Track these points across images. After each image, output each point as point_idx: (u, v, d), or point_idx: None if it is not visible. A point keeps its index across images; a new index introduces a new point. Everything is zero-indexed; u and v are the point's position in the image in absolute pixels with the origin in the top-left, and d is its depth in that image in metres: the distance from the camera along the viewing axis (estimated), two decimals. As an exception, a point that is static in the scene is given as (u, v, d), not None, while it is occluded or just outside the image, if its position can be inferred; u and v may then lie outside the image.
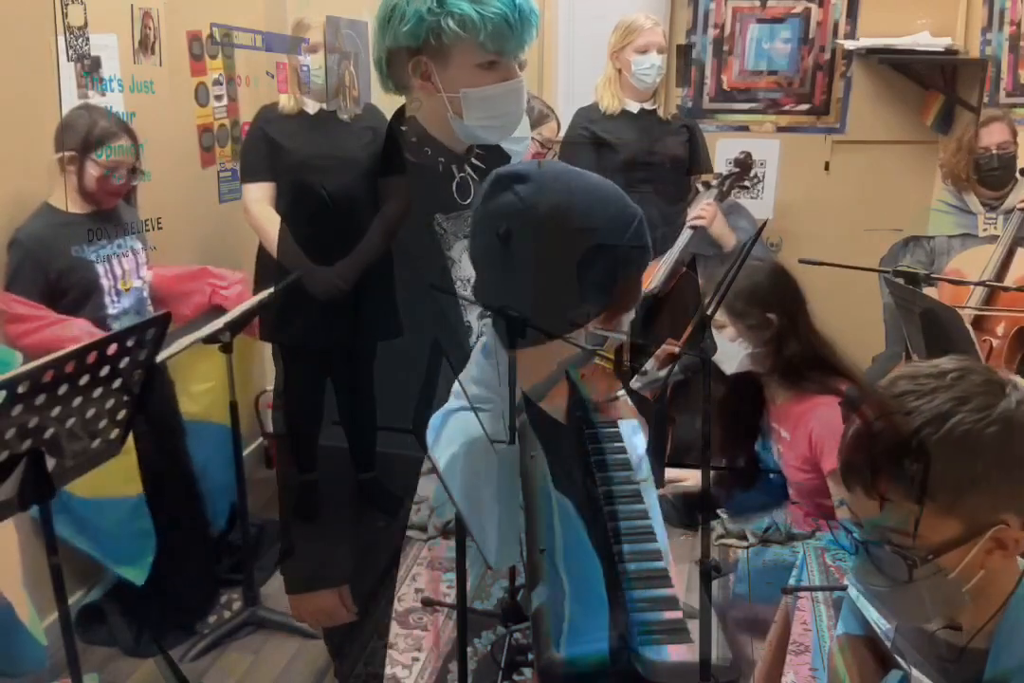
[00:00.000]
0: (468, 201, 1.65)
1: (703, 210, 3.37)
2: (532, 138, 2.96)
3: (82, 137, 2.59)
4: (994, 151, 3.56)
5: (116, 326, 2.67)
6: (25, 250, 2.55)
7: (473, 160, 1.67)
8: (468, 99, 1.55)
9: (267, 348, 3.85)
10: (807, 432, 2.14)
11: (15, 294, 2.52)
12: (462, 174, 1.65)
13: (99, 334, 2.43)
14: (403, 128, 1.66)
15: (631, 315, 1.33)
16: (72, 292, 2.62)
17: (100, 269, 2.68)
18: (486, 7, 1.49)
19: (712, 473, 2.27)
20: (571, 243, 1.23)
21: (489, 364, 1.30)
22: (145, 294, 2.84)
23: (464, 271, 1.63)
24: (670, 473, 2.27)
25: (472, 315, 1.63)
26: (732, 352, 2.18)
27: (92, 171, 2.60)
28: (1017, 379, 1.15)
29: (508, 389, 1.40)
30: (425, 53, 1.54)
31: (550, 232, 1.23)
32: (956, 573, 1.10)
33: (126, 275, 2.76)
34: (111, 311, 2.72)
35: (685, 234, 3.36)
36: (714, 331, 2.14)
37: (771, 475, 2.23)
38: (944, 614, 1.19)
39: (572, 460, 1.36)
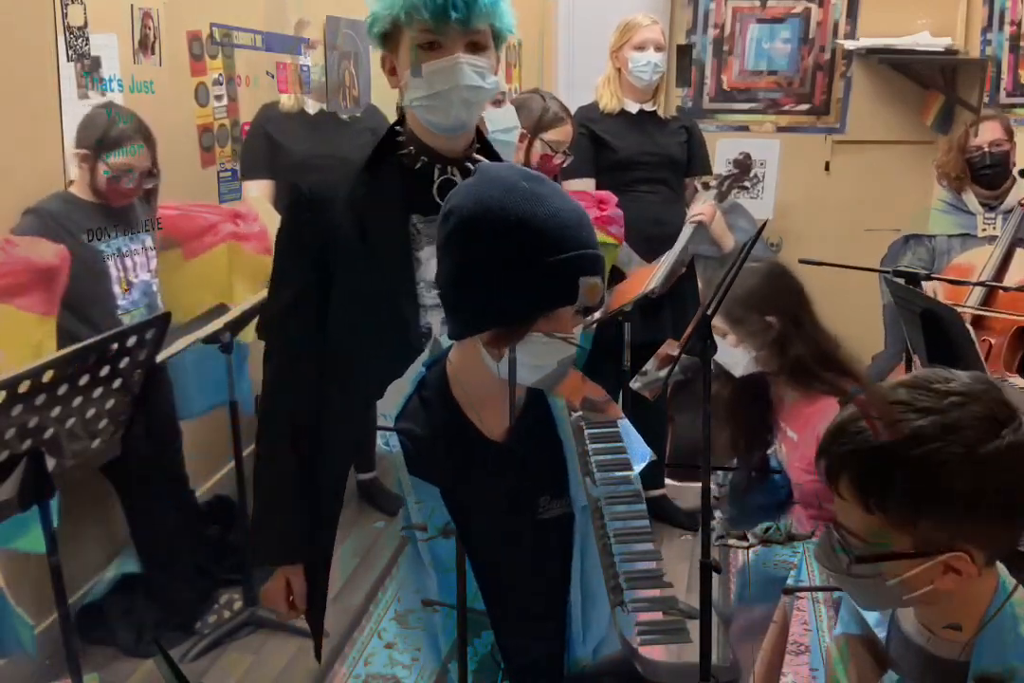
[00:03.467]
0: None
1: (702, 208, 3.38)
2: (541, 140, 2.95)
3: (96, 138, 2.60)
4: (986, 149, 3.55)
5: (127, 319, 2.68)
6: (37, 221, 2.54)
7: (466, 163, 1.64)
8: (410, 80, 1.56)
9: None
10: (815, 434, 2.12)
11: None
12: (444, 176, 1.63)
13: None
14: (397, 128, 1.67)
15: (565, 349, 1.29)
16: (80, 276, 2.60)
17: (109, 259, 2.69)
18: None
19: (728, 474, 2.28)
20: (470, 256, 1.23)
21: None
22: (155, 288, 2.85)
23: (428, 274, 1.61)
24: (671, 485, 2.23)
25: (434, 318, 1.62)
26: (738, 357, 2.17)
27: (102, 172, 2.61)
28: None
29: (508, 388, 1.40)
30: (387, 49, 1.60)
31: (456, 239, 1.25)
32: (897, 582, 1.09)
33: (136, 267, 2.77)
34: (120, 301, 2.73)
35: (686, 232, 3.36)
36: (717, 338, 2.13)
37: (774, 476, 2.23)
38: (885, 607, 1.21)
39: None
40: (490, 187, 1.23)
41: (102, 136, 2.60)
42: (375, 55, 2.82)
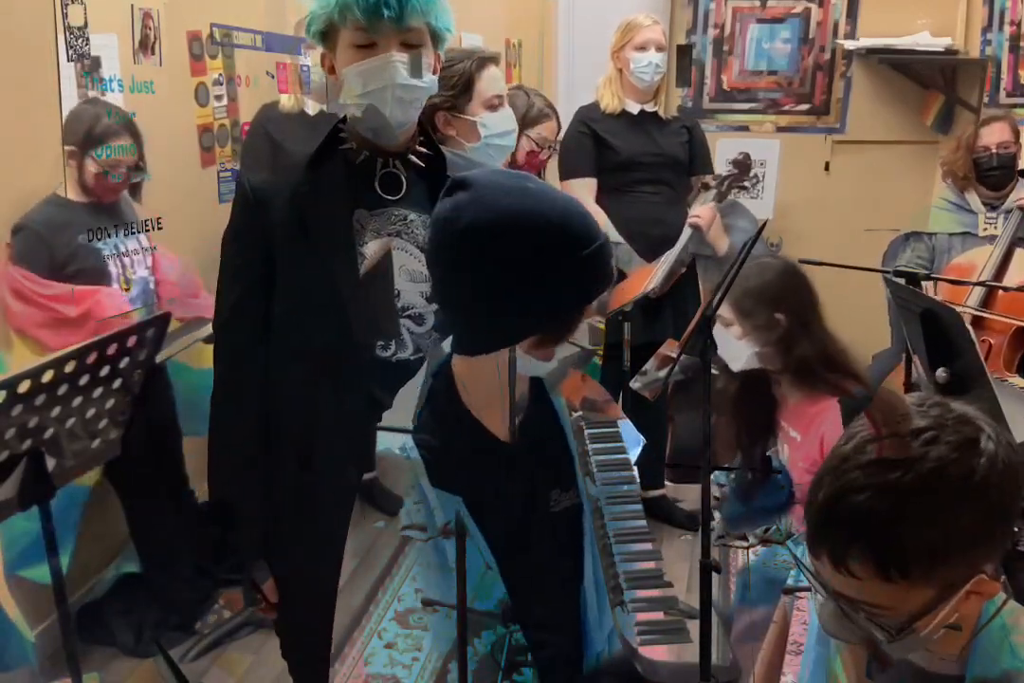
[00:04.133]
0: (397, 197, 1.63)
1: (700, 211, 3.38)
2: (526, 136, 2.95)
3: (83, 133, 2.60)
4: (993, 150, 3.55)
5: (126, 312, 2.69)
6: (32, 234, 2.55)
7: (410, 156, 1.64)
8: (345, 78, 1.57)
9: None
10: (819, 434, 2.13)
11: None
12: (387, 169, 1.63)
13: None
14: (340, 125, 1.67)
15: (565, 348, 1.29)
16: (80, 278, 2.61)
17: (107, 257, 2.69)
18: None
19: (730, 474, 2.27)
20: (487, 263, 1.17)
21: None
22: (151, 285, 2.85)
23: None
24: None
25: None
26: (739, 350, 2.17)
27: (90, 167, 2.62)
28: (983, 421, 1.08)
29: (508, 388, 1.40)
30: (326, 47, 1.61)
31: (467, 247, 1.18)
32: (930, 629, 1.06)
33: (134, 264, 2.77)
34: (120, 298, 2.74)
35: (685, 233, 3.36)
36: (721, 327, 2.12)
37: (776, 476, 2.22)
38: (905, 655, 1.15)
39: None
40: (498, 195, 1.20)
41: (89, 132, 2.60)
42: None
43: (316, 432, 1.58)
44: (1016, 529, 1.14)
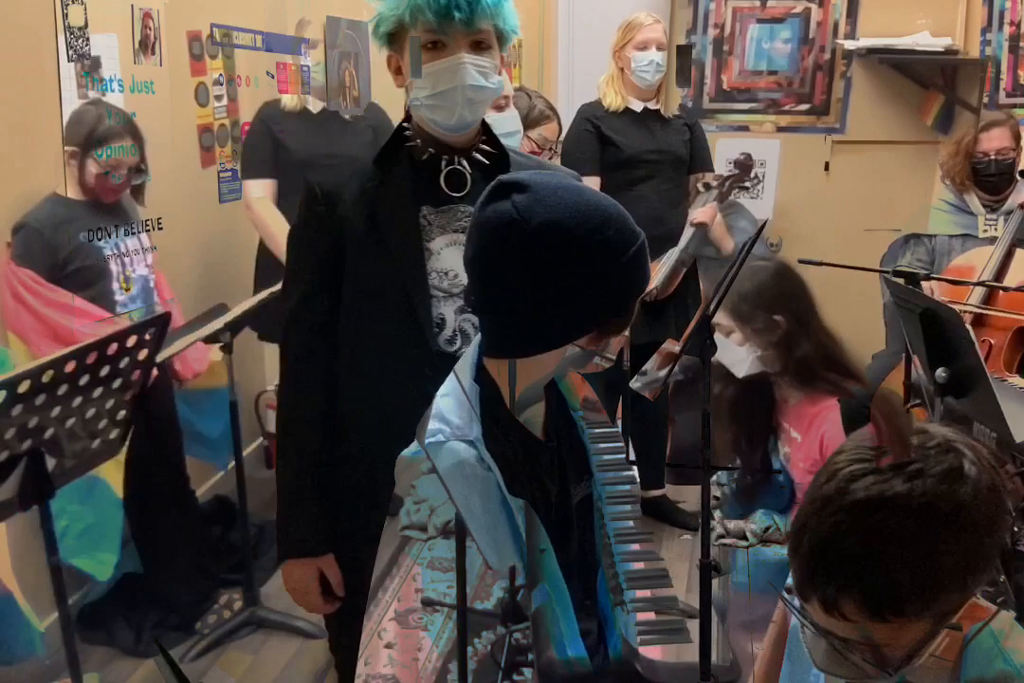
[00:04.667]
0: (462, 193, 1.65)
1: (703, 211, 3.38)
2: (527, 137, 2.95)
3: (85, 134, 2.60)
4: (992, 156, 3.52)
5: (123, 313, 2.69)
6: (32, 232, 2.55)
7: (474, 154, 1.66)
8: (413, 81, 1.59)
9: (267, 348, 3.85)
10: (819, 434, 2.13)
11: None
12: (452, 166, 1.65)
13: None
14: (405, 124, 1.69)
15: (622, 340, 1.30)
16: (79, 276, 2.62)
17: (108, 254, 2.69)
18: None
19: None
20: (561, 262, 1.17)
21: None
22: (152, 284, 2.85)
23: (442, 263, 1.63)
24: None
25: (447, 308, 1.64)
26: (741, 356, 2.17)
27: (92, 169, 2.62)
28: (962, 443, 1.06)
29: (509, 389, 1.40)
30: (393, 49, 1.63)
31: (541, 248, 1.17)
32: (925, 658, 1.05)
33: (133, 263, 2.77)
34: (119, 297, 2.74)
35: (687, 233, 3.37)
36: (721, 337, 2.13)
37: (777, 476, 2.23)
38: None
39: (550, 466, 1.35)
40: (559, 194, 1.19)
41: (90, 133, 2.61)
42: (376, 55, 2.83)
43: (384, 426, 1.58)
44: (1016, 529, 1.14)
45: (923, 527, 1.00)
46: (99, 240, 2.64)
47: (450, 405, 1.23)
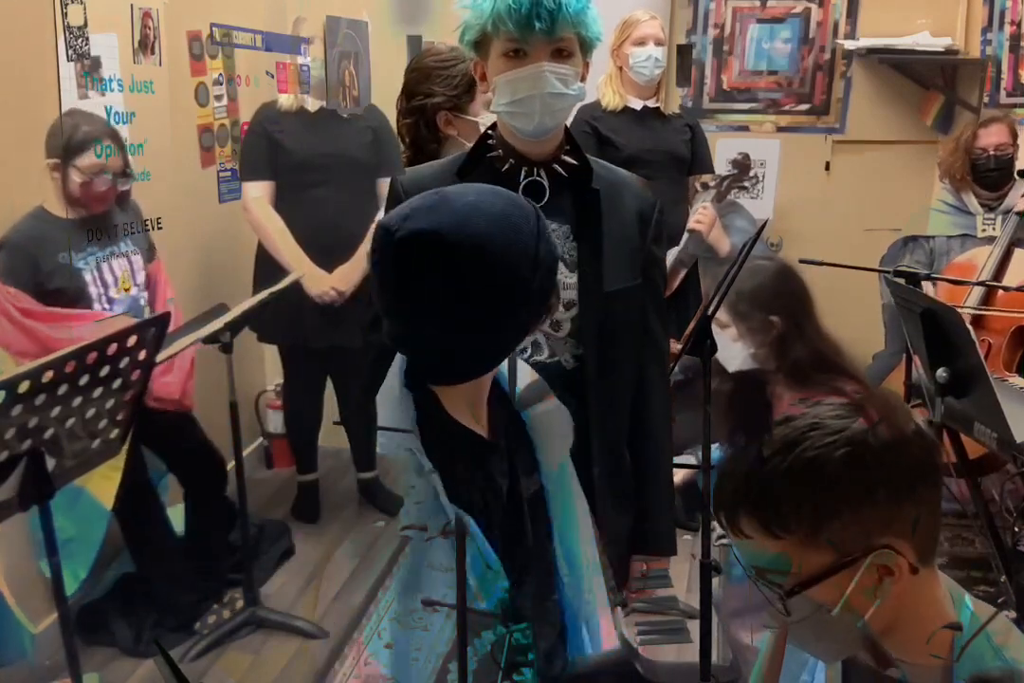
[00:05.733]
0: (540, 205, 1.65)
1: (701, 215, 3.37)
2: None
3: (63, 144, 2.56)
4: (991, 152, 3.54)
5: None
6: (15, 250, 2.53)
7: (554, 165, 1.68)
8: (497, 86, 1.63)
9: (267, 348, 3.85)
10: None
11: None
12: (530, 178, 1.67)
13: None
14: (490, 132, 1.72)
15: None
16: (59, 297, 2.58)
17: (88, 276, 2.63)
18: None
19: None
20: (489, 292, 1.21)
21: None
22: (143, 302, 2.82)
23: None
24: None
25: None
26: (734, 351, 2.17)
27: (75, 177, 2.56)
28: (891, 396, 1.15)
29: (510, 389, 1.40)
30: (479, 55, 1.66)
31: (468, 290, 1.20)
32: (840, 607, 1.06)
33: (118, 281, 2.73)
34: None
35: (684, 236, 3.36)
36: (717, 330, 2.13)
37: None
38: (847, 652, 1.15)
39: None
40: (449, 218, 1.19)
41: (66, 142, 2.55)
42: (376, 55, 2.84)
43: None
44: (1016, 529, 1.14)
45: (801, 445, 1.07)
46: (79, 257, 2.59)
47: (385, 414, 1.26)
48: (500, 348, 1.28)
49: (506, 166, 1.67)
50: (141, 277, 2.81)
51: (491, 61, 1.63)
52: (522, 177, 1.67)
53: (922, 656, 1.10)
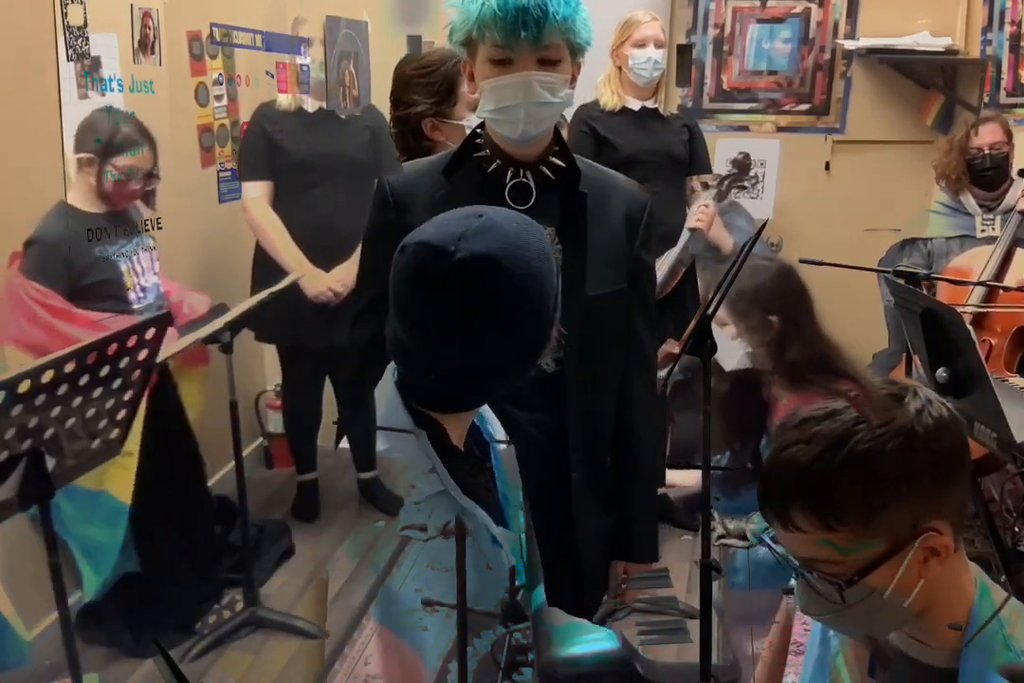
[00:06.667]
0: (526, 206, 1.64)
1: (701, 213, 3.36)
2: None
3: (104, 142, 2.60)
4: (986, 151, 3.54)
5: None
6: (47, 247, 2.55)
7: (541, 167, 1.66)
8: (483, 91, 1.61)
9: (267, 348, 3.85)
10: None
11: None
12: (517, 179, 1.65)
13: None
14: (478, 131, 1.70)
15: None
16: (96, 290, 2.63)
17: (123, 266, 2.69)
18: (486, 5, 1.53)
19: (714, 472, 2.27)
20: (531, 323, 1.17)
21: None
22: (161, 290, 2.86)
23: None
24: (669, 477, 2.22)
25: None
26: (732, 349, 2.17)
27: (110, 176, 2.62)
28: (918, 385, 1.16)
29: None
30: (468, 55, 1.64)
31: (514, 319, 1.15)
32: (891, 590, 1.09)
33: (144, 271, 2.78)
34: (136, 306, 2.74)
35: (685, 234, 3.36)
36: (715, 328, 2.12)
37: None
38: (891, 630, 1.19)
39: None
40: (504, 244, 1.15)
41: (108, 139, 2.61)
42: (376, 55, 2.84)
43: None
44: (1016, 529, 1.15)
45: (856, 436, 1.09)
46: (114, 255, 2.64)
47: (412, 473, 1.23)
48: (518, 376, 1.24)
49: (493, 167, 1.66)
50: (157, 267, 2.87)
51: (477, 64, 1.62)
52: (508, 178, 1.65)
53: (941, 634, 1.14)
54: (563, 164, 1.68)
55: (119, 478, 2.59)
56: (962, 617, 1.14)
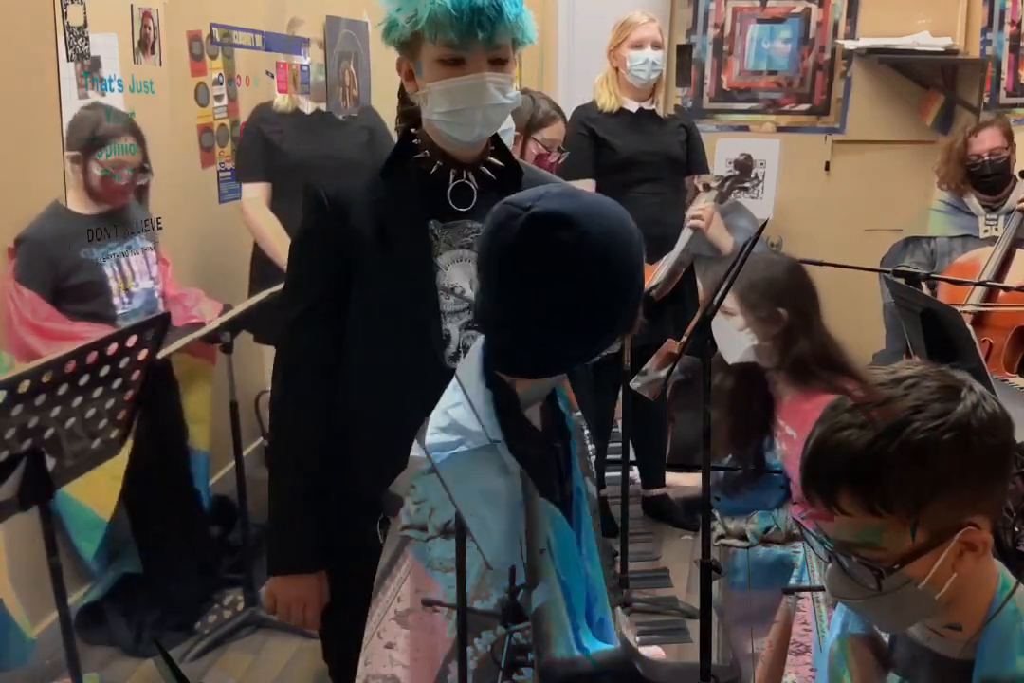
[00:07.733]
0: (467, 208, 1.62)
1: (701, 211, 3.36)
2: (534, 139, 2.94)
3: (86, 137, 2.60)
4: (986, 158, 3.52)
5: (125, 326, 2.67)
6: (33, 249, 2.54)
7: (482, 168, 1.64)
8: (431, 94, 1.56)
9: (266, 348, 3.85)
10: None
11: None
12: (459, 180, 1.62)
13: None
14: (412, 130, 1.66)
15: None
16: (79, 292, 2.61)
17: (108, 270, 2.67)
18: (438, 3, 1.48)
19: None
20: (605, 290, 1.19)
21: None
22: (156, 294, 2.85)
23: (449, 280, 1.60)
24: (670, 477, 2.24)
25: (452, 324, 1.61)
26: (737, 342, 2.16)
27: (95, 171, 2.61)
28: (969, 379, 1.15)
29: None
30: (405, 54, 1.59)
31: (587, 280, 1.17)
32: (927, 581, 1.10)
33: (135, 275, 2.76)
34: (120, 311, 2.73)
35: (685, 234, 3.36)
36: (721, 318, 2.12)
37: (772, 474, 2.22)
38: (916, 621, 1.19)
39: (550, 465, 1.34)
40: (602, 230, 1.19)
41: (91, 135, 2.60)
42: (376, 55, 2.83)
43: (389, 442, 1.56)
44: (1016, 529, 1.15)
45: (911, 426, 1.09)
46: (99, 252, 2.62)
47: (462, 414, 1.22)
48: (593, 347, 1.25)
49: (434, 168, 1.62)
50: (155, 271, 2.83)
51: (424, 64, 1.56)
52: (452, 180, 1.62)
53: (949, 631, 1.15)
54: (502, 164, 1.65)
55: (102, 492, 2.57)
56: (982, 612, 1.14)
